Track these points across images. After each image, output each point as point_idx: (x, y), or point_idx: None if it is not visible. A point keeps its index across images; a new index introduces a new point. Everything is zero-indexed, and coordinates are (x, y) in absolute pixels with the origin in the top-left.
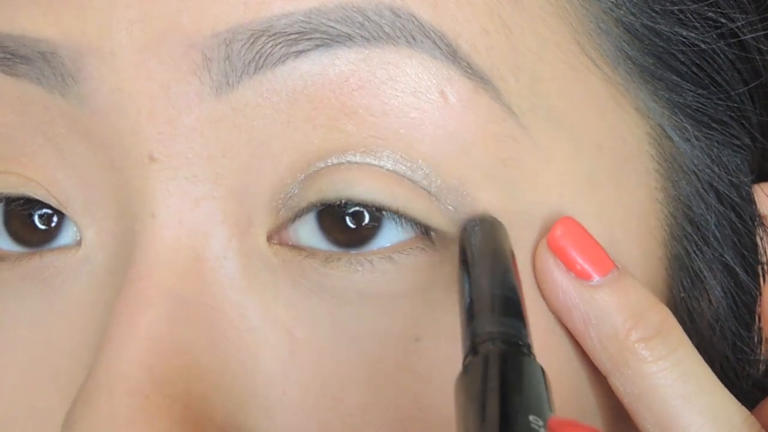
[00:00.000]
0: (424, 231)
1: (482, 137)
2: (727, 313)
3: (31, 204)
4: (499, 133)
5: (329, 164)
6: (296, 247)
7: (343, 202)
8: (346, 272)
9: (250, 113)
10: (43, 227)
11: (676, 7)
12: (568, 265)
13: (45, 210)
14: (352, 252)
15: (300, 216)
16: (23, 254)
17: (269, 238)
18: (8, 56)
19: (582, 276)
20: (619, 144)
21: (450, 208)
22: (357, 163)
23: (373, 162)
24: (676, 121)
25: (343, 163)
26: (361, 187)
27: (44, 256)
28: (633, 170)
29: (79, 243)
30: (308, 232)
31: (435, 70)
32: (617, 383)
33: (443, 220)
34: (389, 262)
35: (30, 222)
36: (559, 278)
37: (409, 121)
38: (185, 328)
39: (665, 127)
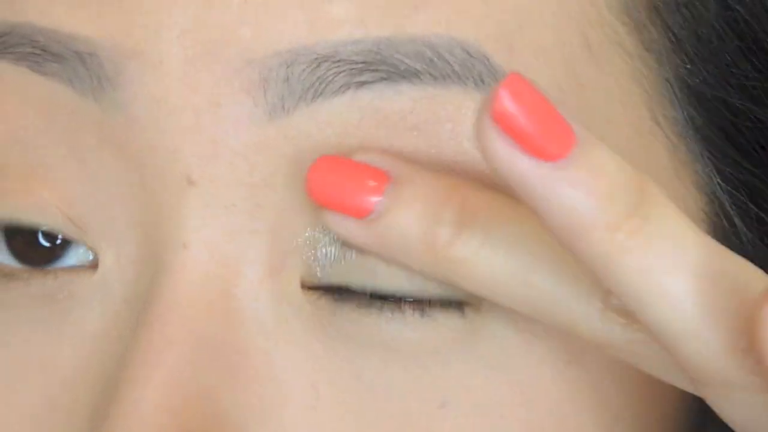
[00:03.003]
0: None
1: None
2: None
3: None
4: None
5: None
6: (330, 290)
7: (367, 293)
8: (377, 320)
9: (302, 144)
10: (47, 244)
11: (751, 83)
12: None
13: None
14: (387, 300)
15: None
16: (35, 272)
17: (303, 285)
18: (38, 52)
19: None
20: None
21: None
22: None
23: None
24: (732, 198)
25: None
26: (385, 279)
27: (59, 276)
28: None
29: (94, 265)
30: None
31: None
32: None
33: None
34: (421, 315)
35: (34, 239)
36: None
37: (462, 168)
38: (209, 371)
39: (723, 203)
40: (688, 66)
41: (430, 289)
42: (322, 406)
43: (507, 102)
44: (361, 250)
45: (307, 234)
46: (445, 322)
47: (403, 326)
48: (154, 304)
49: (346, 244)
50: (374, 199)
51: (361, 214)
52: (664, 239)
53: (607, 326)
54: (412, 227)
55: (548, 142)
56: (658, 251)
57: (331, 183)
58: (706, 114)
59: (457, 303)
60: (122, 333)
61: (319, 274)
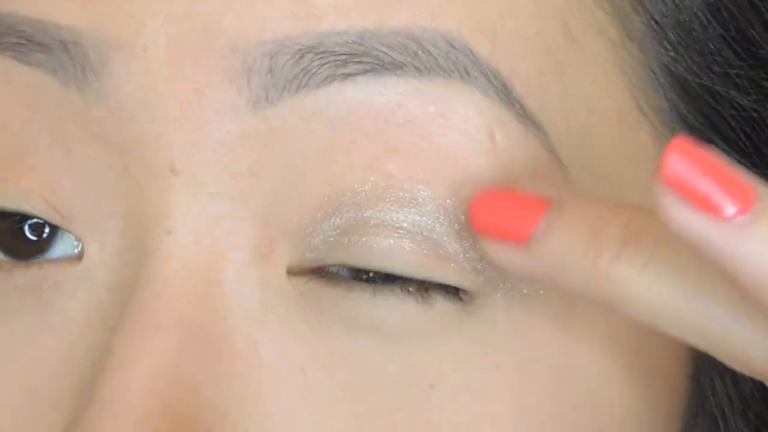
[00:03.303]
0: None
1: (528, 186)
2: None
3: (23, 215)
4: (546, 183)
5: (363, 220)
6: (317, 274)
7: (370, 275)
8: (368, 306)
9: (287, 135)
10: (33, 238)
11: (734, 71)
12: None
13: (37, 219)
14: (378, 282)
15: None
16: (19, 264)
17: (290, 272)
18: (23, 42)
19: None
20: None
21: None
22: (393, 227)
23: (410, 219)
24: None
25: (378, 225)
26: (392, 262)
27: (44, 267)
28: None
29: (79, 257)
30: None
31: (486, 109)
32: None
33: (477, 281)
34: (415, 299)
35: (20, 233)
36: (692, 223)
37: (455, 162)
38: (194, 357)
39: None
40: (672, 54)
41: (426, 273)
42: (313, 391)
43: (677, 164)
44: (525, 278)
45: (298, 220)
46: (438, 306)
47: (395, 308)
48: (139, 291)
49: (507, 272)
50: (534, 223)
51: (521, 239)
52: None
53: None
54: (573, 247)
55: (726, 199)
56: None
57: (491, 212)
58: (691, 102)
59: (453, 288)
60: (106, 322)
61: (309, 255)
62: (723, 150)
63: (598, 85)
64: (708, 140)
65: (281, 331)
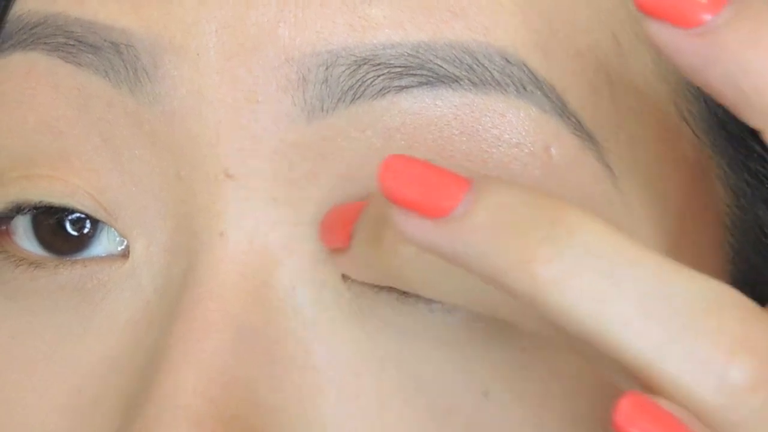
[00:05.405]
0: None
1: (581, 197)
2: None
3: (67, 209)
4: (598, 194)
5: None
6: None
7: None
8: (422, 311)
9: (342, 144)
10: (74, 233)
11: None
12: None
13: (77, 215)
14: None
15: None
16: (64, 261)
17: (344, 276)
18: (73, 43)
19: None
20: (699, 213)
21: None
22: None
23: None
24: (758, 192)
25: None
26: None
27: (88, 265)
28: (709, 240)
29: (124, 254)
30: None
31: (543, 124)
32: None
33: None
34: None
35: (60, 228)
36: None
37: (508, 172)
38: (248, 359)
39: (747, 197)
40: None
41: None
42: (365, 395)
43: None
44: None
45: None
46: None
47: (449, 315)
48: (191, 292)
49: (414, 245)
50: (457, 198)
51: (438, 213)
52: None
53: None
54: (498, 233)
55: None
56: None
57: (405, 179)
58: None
59: None
60: (153, 321)
61: None
62: (762, 155)
63: (645, 96)
64: (748, 147)
65: (335, 335)
